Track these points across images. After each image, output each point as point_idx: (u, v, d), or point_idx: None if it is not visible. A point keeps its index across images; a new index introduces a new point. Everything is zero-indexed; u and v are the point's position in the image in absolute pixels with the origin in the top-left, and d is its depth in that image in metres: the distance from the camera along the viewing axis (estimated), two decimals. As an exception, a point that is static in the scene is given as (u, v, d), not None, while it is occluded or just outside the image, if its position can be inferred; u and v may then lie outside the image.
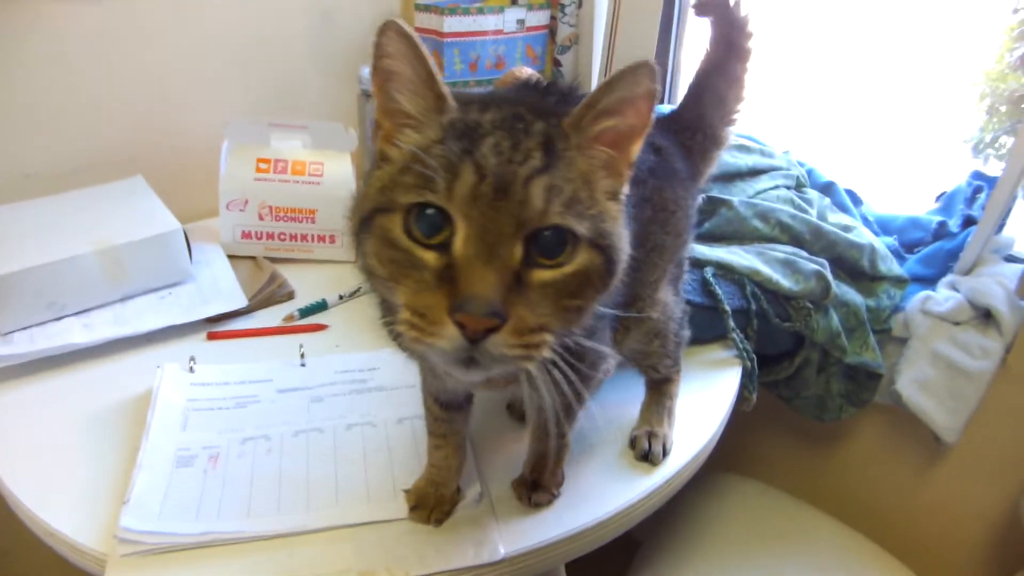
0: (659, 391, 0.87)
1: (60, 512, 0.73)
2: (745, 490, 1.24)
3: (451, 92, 0.54)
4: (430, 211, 0.49)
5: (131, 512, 0.71)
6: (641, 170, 0.77)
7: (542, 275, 0.50)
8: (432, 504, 0.72)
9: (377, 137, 0.56)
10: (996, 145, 1.28)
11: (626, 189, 0.56)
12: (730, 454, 1.28)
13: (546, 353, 0.50)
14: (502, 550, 0.69)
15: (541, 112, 0.53)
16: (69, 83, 1.17)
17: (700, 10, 0.92)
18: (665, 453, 0.82)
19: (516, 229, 0.48)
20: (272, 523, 0.71)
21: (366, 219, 0.52)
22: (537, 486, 0.75)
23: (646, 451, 0.81)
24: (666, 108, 1.35)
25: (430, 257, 0.49)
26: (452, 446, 0.74)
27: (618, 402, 0.89)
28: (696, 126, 0.90)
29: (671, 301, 0.83)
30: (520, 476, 0.77)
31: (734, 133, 0.95)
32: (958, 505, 1.15)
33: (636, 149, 0.54)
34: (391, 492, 0.75)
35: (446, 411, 0.73)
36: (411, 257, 0.50)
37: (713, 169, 0.94)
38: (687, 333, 0.90)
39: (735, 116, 0.93)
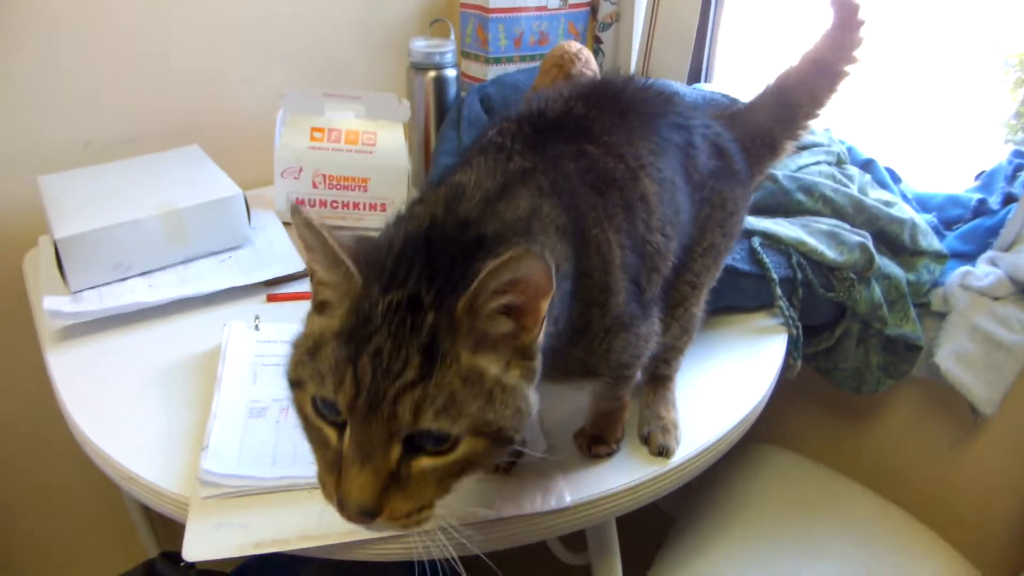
0: (661, 384, 0.86)
1: (139, 459, 0.77)
2: (780, 461, 1.26)
3: (367, 254, 0.55)
4: (329, 401, 0.53)
5: (211, 457, 0.74)
6: (702, 173, 0.79)
7: (421, 464, 0.53)
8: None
9: (312, 285, 0.59)
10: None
11: (540, 341, 0.56)
12: (765, 426, 1.30)
13: (429, 525, 0.56)
14: (568, 497, 0.72)
15: (444, 287, 0.53)
16: (127, 54, 1.20)
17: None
18: (677, 444, 0.81)
19: (388, 437, 0.51)
20: (345, 469, 0.74)
21: (291, 385, 0.57)
22: (598, 439, 0.78)
23: (662, 446, 0.80)
24: (705, 87, 1.38)
25: (332, 435, 0.55)
26: None
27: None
28: (759, 132, 0.90)
29: (704, 299, 0.85)
30: (581, 429, 0.79)
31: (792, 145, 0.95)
32: (992, 478, 1.17)
33: (544, 308, 0.53)
34: (458, 443, 0.77)
35: None
36: (319, 434, 0.55)
37: (764, 177, 0.94)
38: None
39: (800, 133, 0.93)
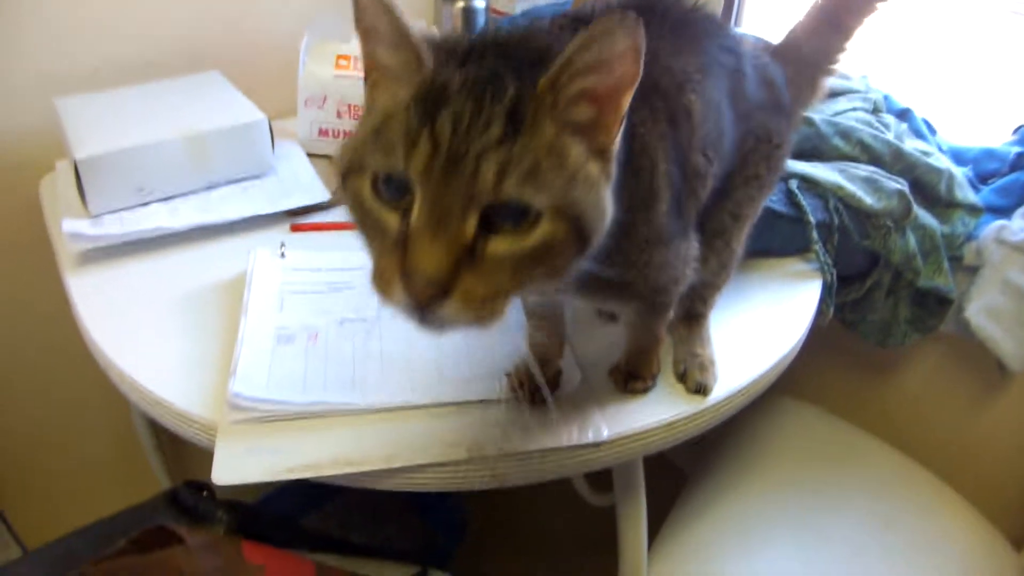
0: (696, 322, 0.84)
1: (166, 383, 0.75)
2: (799, 414, 1.25)
3: (438, 39, 0.54)
4: (393, 177, 0.50)
5: (240, 380, 0.73)
6: (750, 103, 0.76)
7: (497, 247, 0.49)
8: (536, 385, 0.73)
9: (367, 84, 0.56)
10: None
11: (617, 143, 0.54)
12: (785, 378, 1.30)
13: (499, 317, 0.51)
14: (605, 431, 0.71)
15: (522, 69, 0.51)
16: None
17: None
18: (715, 381, 0.80)
19: (467, 203, 0.48)
20: (379, 396, 0.73)
21: (343, 178, 0.54)
22: (633, 375, 0.77)
23: (700, 383, 0.78)
24: (737, 30, 1.34)
25: (393, 221, 0.50)
26: (550, 327, 0.75)
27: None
28: (801, 66, 0.87)
29: (745, 237, 0.82)
30: (616, 365, 0.78)
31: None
32: (1015, 435, 1.16)
33: (626, 102, 0.52)
34: (494, 374, 0.76)
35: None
36: (378, 220, 0.51)
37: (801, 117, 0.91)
38: None
39: (834, 67, 0.91)
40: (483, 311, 0.50)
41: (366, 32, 0.53)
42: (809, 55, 0.88)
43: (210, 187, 1.03)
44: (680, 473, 1.21)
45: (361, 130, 0.54)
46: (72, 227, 0.93)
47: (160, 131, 0.98)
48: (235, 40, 1.25)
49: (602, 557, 0.99)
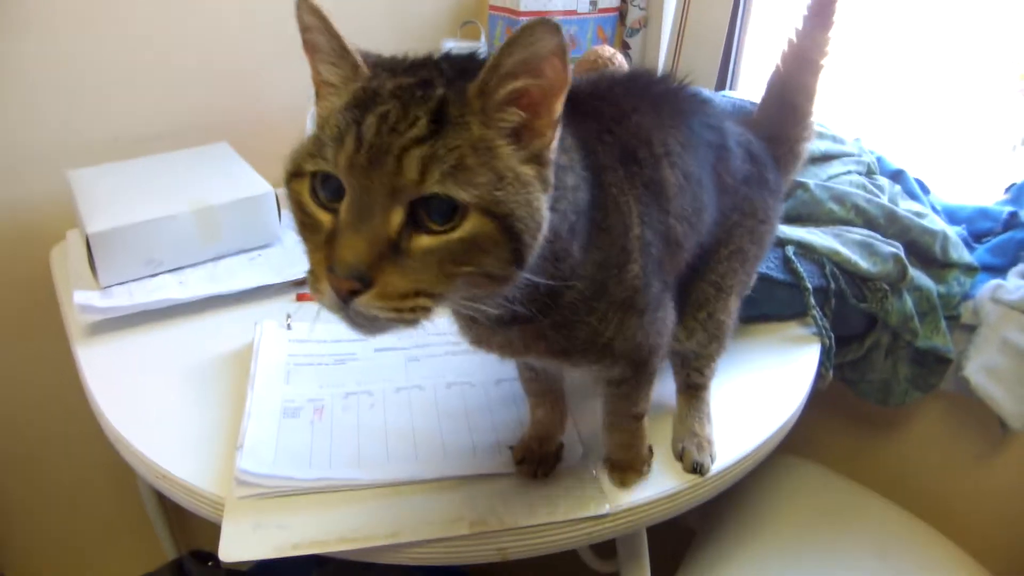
0: (696, 396, 0.84)
1: (173, 457, 0.76)
2: (804, 473, 1.25)
3: (376, 59, 0.57)
4: (327, 178, 0.51)
5: (247, 456, 0.74)
6: (735, 178, 0.78)
7: (422, 241, 0.50)
8: (538, 459, 0.74)
9: (316, 100, 0.58)
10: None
11: (553, 150, 0.54)
12: (790, 437, 1.30)
13: (423, 317, 0.52)
14: (607, 505, 0.72)
15: (454, 76, 0.53)
16: (158, 50, 1.20)
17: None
18: (712, 460, 0.79)
19: (390, 197, 0.49)
20: (383, 472, 0.74)
21: (286, 184, 0.55)
22: (625, 467, 0.76)
23: (696, 463, 0.78)
24: (732, 94, 1.37)
25: (325, 219, 0.52)
26: (550, 403, 0.77)
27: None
28: (777, 138, 0.91)
29: (735, 309, 0.83)
30: (606, 457, 0.77)
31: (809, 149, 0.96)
32: (1018, 492, 1.16)
33: (558, 107, 0.53)
34: (495, 447, 0.77)
35: (532, 369, 0.75)
36: (313, 219, 0.53)
37: (788, 187, 0.94)
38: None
39: (809, 131, 0.94)
40: (404, 306, 0.50)
41: (311, 49, 0.56)
42: (779, 128, 0.91)
43: (218, 258, 1.05)
44: (686, 529, 1.21)
45: (303, 144, 0.55)
46: (83, 299, 0.95)
47: (170, 204, 1.00)
48: (243, 111, 1.29)
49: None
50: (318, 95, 0.58)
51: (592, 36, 1.43)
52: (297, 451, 0.76)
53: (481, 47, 1.24)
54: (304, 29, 0.55)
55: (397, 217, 0.49)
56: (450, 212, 0.50)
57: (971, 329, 1.12)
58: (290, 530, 0.69)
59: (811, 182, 1.13)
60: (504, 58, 0.50)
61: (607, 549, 0.97)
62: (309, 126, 1.17)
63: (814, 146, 1.21)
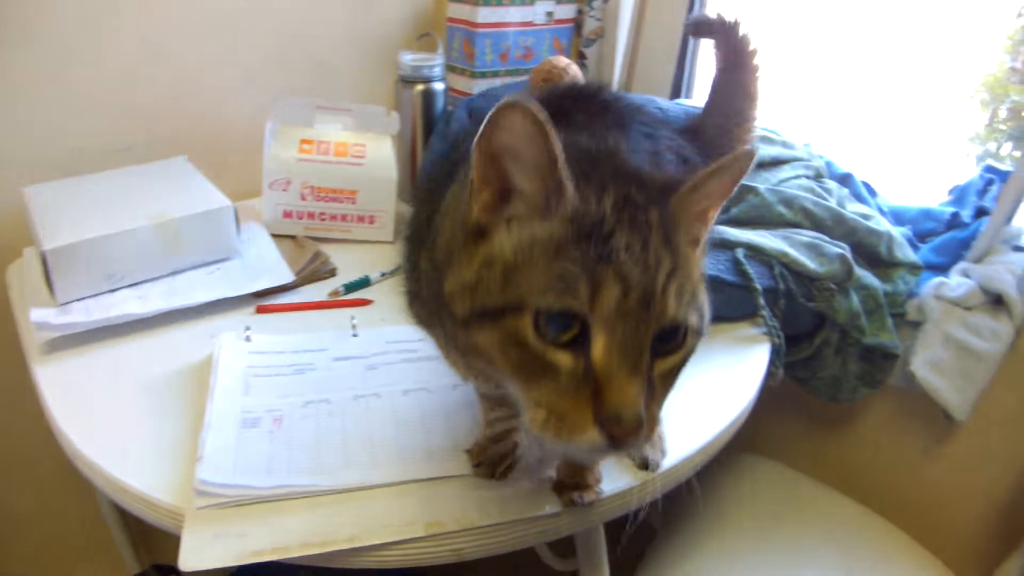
0: None
1: (132, 470, 0.76)
2: (760, 470, 1.28)
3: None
4: (561, 313, 0.48)
5: (206, 466, 0.74)
6: None
7: (662, 366, 0.51)
8: (494, 460, 0.76)
9: (473, 204, 0.53)
10: (998, 155, 1.34)
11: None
12: (745, 435, 1.32)
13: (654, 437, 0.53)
14: (558, 506, 0.74)
15: (646, 191, 0.53)
16: (117, 64, 1.20)
17: (695, 32, 0.96)
18: (663, 456, 0.81)
19: (653, 338, 0.49)
20: (341, 478, 0.75)
21: (490, 314, 0.51)
22: (582, 486, 0.76)
23: (646, 459, 0.80)
24: (685, 102, 1.41)
25: (564, 360, 0.49)
26: (507, 407, 0.76)
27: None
28: (718, 142, 0.94)
29: None
30: (558, 482, 0.77)
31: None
32: (966, 481, 1.20)
33: (715, 215, 0.55)
34: (452, 450, 0.79)
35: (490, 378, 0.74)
36: (543, 359, 0.49)
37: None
38: None
39: (752, 130, 0.98)
40: (654, 430, 0.51)
41: (500, 151, 0.50)
42: (716, 138, 0.94)
43: (177, 272, 1.06)
44: (648, 527, 1.23)
45: (486, 271, 0.51)
46: (39, 316, 0.94)
47: (128, 219, 1.00)
48: (202, 125, 1.30)
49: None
50: (475, 194, 0.53)
51: (548, 47, 1.46)
52: (256, 460, 0.76)
53: (437, 60, 1.26)
54: (502, 129, 0.49)
55: (648, 353, 0.50)
56: (674, 337, 0.51)
57: (916, 325, 1.16)
58: (250, 538, 0.69)
59: (761, 186, 1.16)
60: (712, 179, 0.51)
61: (566, 548, 0.99)
62: (268, 142, 1.19)
63: (764, 151, 1.25)
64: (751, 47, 0.95)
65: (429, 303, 0.64)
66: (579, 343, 0.49)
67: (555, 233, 0.50)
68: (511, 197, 0.52)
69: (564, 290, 0.48)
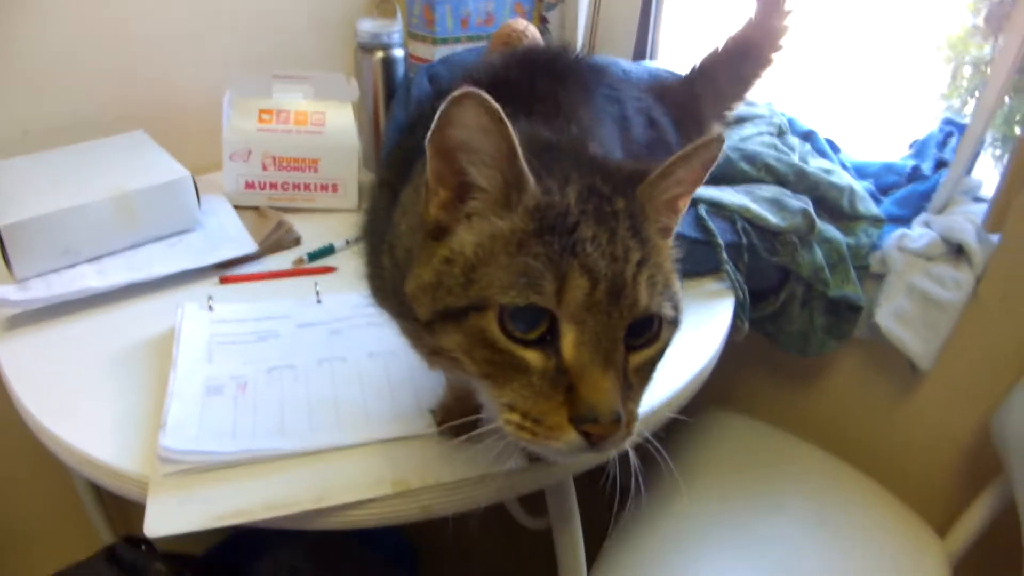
0: None
1: (97, 442, 0.76)
2: (733, 425, 1.30)
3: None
4: (527, 309, 0.47)
5: (170, 434, 0.74)
6: (639, 144, 0.80)
7: (637, 360, 0.50)
8: (459, 418, 0.76)
9: (430, 203, 0.52)
10: (963, 112, 1.35)
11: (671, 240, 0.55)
12: (717, 391, 1.34)
13: (633, 438, 0.51)
14: (527, 459, 0.74)
15: (611, 180, 0.51)
16: (66, 38, 1.17)
17: None
18: None
19: (625, 331, 0.48)
20: (307, 440, 0.75)
21: (453, 314, 0.50)
22: None
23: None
24: (650, 63, 1.40)
25: (534, 359, 0.48)
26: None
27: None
28: (688, 109, 0.92)
29: None
30: None
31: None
32: (931, 429, 1.23)
33: (686, 204, 0.55)
34: (416, 410, 0.79)
35: None
36: (512, 358, 0.48)
37: None
38: None
39: (727, 113, 0.96)
40: (633, 428, 0.50)
41: (454, 147, 0.48)
42: (693, 102, 0.93)
43: (137, 245, 1.04)
44: (622, 486, 1.24)
45: (447, 269, 0.50)
46: (-2, 292, 0.94)
47: (84, 193, 0.99)
48: (159, 98, 1.27)
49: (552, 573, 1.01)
50: (433, 194, 0.51)
51: (510, 12, 1.45)
52: (221, 426, 0.76)
53: (396, 27, 1.24)
54: (454, 125, 0.47)
55: (622, 349, 0.49)
56: (647, 328, 0.50)
57: (880, 278, 1.17)
58: (215, 503, 0.69)
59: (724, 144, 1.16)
60: (679, 166, 0.50)
61: (539, 506, 0.99)
62: (227, 113, 1.17)
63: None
64: (781, 42, 0.91)
65: (391, 298, 0.62)
66: (548, 340, 0.48)
67: (517, 227, 0.48)
68: (469, 194, 0.50)
69: (528, 285, 0.46)
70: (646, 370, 0.51)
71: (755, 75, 0.93)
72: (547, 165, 0.50)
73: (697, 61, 0.97)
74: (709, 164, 0.52)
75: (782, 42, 0.91)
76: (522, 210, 0.49)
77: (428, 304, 0.51)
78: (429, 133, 0.48)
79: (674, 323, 0.52)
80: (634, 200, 0.51)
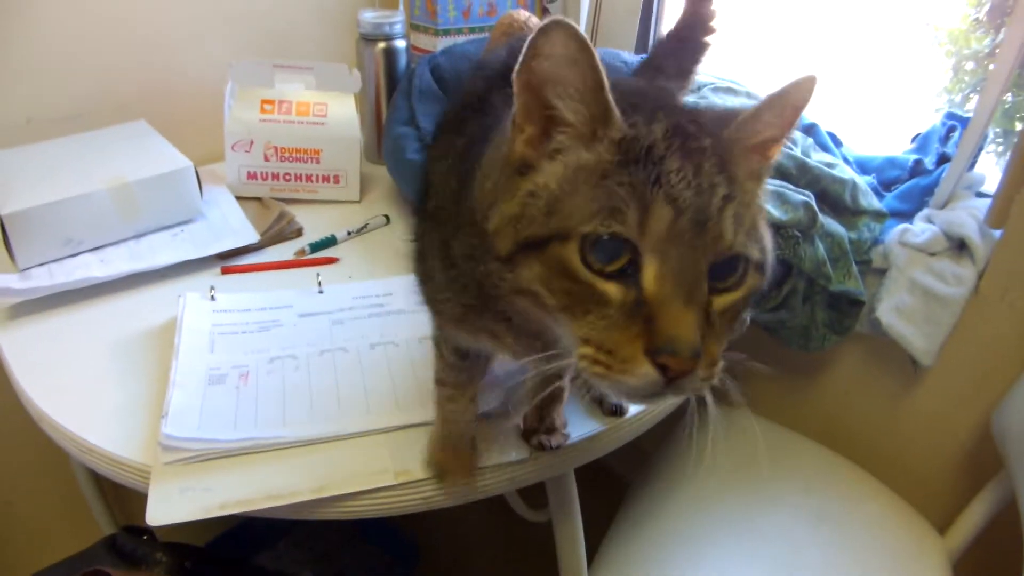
0: None
1: (99, 431, 0.77)
2: (733, 419, 1.29)
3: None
4: (609, 239, 0.46)
5: (172, 422, 0.74)
6: None
7: (721, 302, 0.48)
8: (457, 465, 0.73)
9: (516, 140, 0.51)
10: (965, 107, 1.34)
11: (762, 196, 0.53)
12: (717, 387, 1.34)
13: (716, 381, 0.49)
14: (529, 451, 0.74)
15: (698, 121, 0.50)
16: (68, 29, 1.17)
17: None
18: None
19: (709, 265, 0.47)
20: (308, 429, 0.75)
21: (535, 244, 0.48)
22: (550, 430, 0.77)
23: (614, 405, 0.81)
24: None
25: (613, 290, 0.46)
26: (467, 397, 0.73)
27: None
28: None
29: None
30: (527, 428, 0.77)
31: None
32: (932, 425, 1.22)
33: (776, 154, 0.53)
34: (417, 400, 0.79)
35: (466, 359, 0.71)
36: (591, 290, 0.47)
37: None
38: None
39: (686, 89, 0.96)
40: (715, 372, 0.48)
41: (542, 80, 0.48)
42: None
43: (139, 235, 1.05)
44: (622, 481, 1.24)
45: (530, 201, 0.49)
46: (1, 281, 0.93)
47: (86, 183, 0.99)
48: (160, 89, 1.27)
49: (552, 570, 1.01)
50: (519, 131, 0.51)
51: (512, 3, 1.44)
52: (222, 415, 0.77)
53: (398, 17, 1.24)
54: (542, 55, 0.46)
55: (706, 283, 0.47)
56: (732, 270, 0.48)
57: (882, 273, 1.17)
58: (216, 492, 0.69)
59: (725, 137, 1.16)
60: (772, 106, 0.49)
61: (539, 499, 1.00)
62: (228, 104, 1.17)
63: (730, 102, 1.25)
64: (712, 22, 0.90)
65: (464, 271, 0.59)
66: (629, 274, 0.47)
67: (602, 159, 0.48)
68: (556, 128, 0.50)
69: (611, 214, 0.46)
70: (730, 314, 0.49)
71: (695, 61, 0.93)
72: (633, 104, 0.50)
73: (646, 54, 0.98)
74: (801, 105, 0.51)
75: (713, 24, 0.91)
76: (607, 142, 0.48)
77: (511, 236, 0.50)
78: (517, 66, 0.47)
79: (761, 269, 0.50)
80: (721, 140, 0.49)
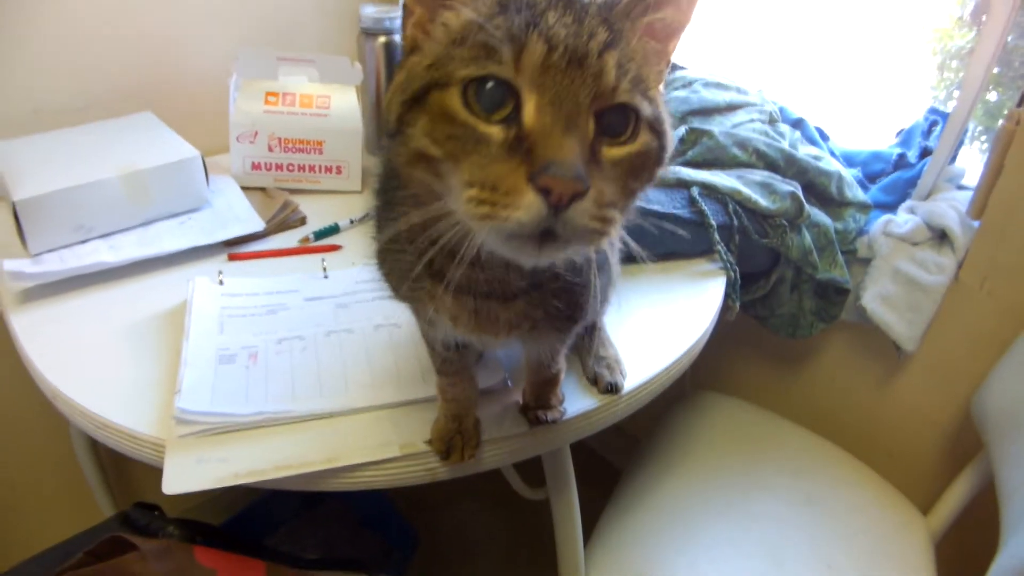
0: (591, 331, 0.85)
1: (113, 407, 0.79)
2: (722, 407, 1.34)
3: None
4: (490, 85, 0.47)
5: (185, 397, 0.77)
6: None
7: (612, 152, 0.49)
8: (461, 443, 0.75)
9: (407, 24, 0.53)
10: (948, 105, 1.38)
11: (662, 88, 0.55)
12: (707, 373, 1.38)
13: (612, 231, 0.48)
14: (527, 424, 0.78)
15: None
16: (76, 21, 1.20)
17: None
18: (624, 377, 0.84)
19: (589, 102, 0.47)
20: (317, 403, 0.78)
21: (416, 98, 0.50)
22: (544, 406, 0.79)
23: (610, 383, 0.83)
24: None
25: (495, 131, 0.47)
26: (466, 380, 0.75)
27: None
28: None
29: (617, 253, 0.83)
30: (524, 403, 0.80)
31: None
32: (915, 409, 1.26)
33: (675, 46, 0.54)
34: (420, 377, 0.82)
35: (455, 350, 0.72)
36: (473, 132, 0.47)
37: None
38: None
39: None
40: (608, 216, 0.47)
41: None
42: None
43: (148, 222, 1.07)
44: (614, 470, 1.28)
45: (417, 63, 0.51)
46: (13, 266, 0.96)
47: (97, 170, 1.02)
48: (166, 81, 1.30)
49: (549, 553, 1.04)
50: (409, 14, 0.53)
51: None
52: (234, 391, 0.79)
53: (399, 10, 1.27)
54: None
55: (591, 125, 0.48)
56: (623, 125, 0.49)
57: (867, 262, 1.21)
58: (230, 463, 0.72)
59: (716, 130, 1.20)
60: None
61: (537, 478, 1.03)
62: (233, 95, 1.20)
63: (719, 97, 1.29)
64: None
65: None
66: (512, 118, 0.47)
67: (482, 13, 0.49)
68: (440, 3, 0.52)
69: (487, 55, 0.47)
70: (623, 167, 0.50)
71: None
72: None
73: None
74: None
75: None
76: (490, 1, 0.50)
77: (398, 101, 0.51)
78: None
79: (654, 130, 0.51)
80: (611, 8, 0.51)
